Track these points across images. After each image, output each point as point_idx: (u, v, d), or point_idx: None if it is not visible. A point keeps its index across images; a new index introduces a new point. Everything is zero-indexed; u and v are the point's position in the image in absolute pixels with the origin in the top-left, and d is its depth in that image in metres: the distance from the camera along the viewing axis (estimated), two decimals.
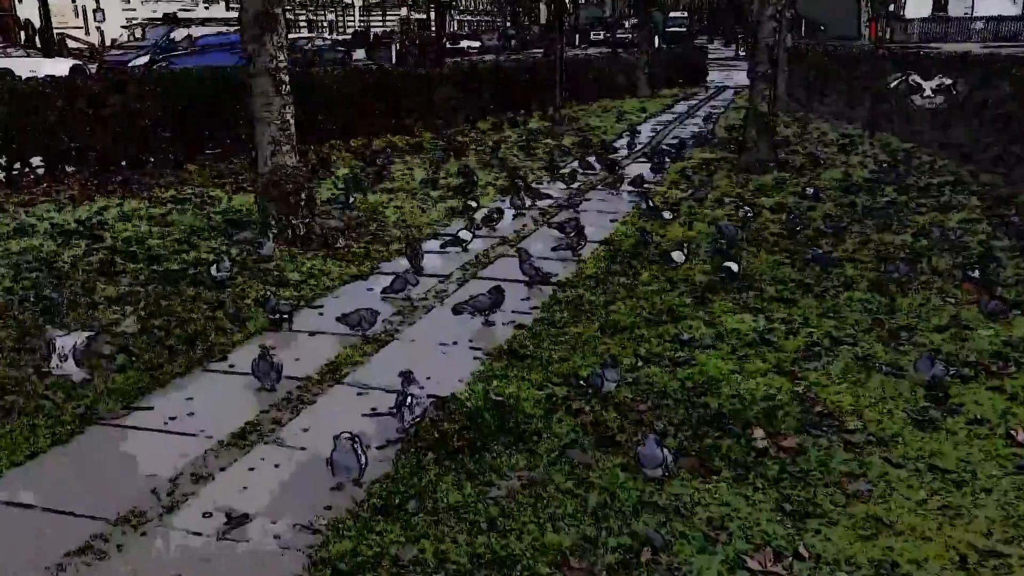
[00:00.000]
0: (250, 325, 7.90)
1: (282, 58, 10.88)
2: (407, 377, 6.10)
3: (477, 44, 68.70)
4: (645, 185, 14.58)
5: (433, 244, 10.76)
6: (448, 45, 62.89)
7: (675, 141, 20.69)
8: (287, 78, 11.00)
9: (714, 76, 47.05)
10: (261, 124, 10.99)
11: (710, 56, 50.96)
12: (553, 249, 10.35)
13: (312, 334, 7.79)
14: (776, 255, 10.27)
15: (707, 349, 7.17)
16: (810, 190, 13.49)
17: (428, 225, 12.04)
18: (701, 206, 13.24)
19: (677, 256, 9.54)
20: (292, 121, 11.12)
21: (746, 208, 12.21)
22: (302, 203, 11.27)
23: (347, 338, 7.63)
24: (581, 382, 6.30)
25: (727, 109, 30.53)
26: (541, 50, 59.82)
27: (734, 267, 9.05)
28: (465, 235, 10.53)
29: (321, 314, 8.34)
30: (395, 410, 5.94)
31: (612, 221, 12.25)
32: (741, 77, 46.36)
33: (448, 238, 10.78)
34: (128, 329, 7.68)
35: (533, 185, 14.41)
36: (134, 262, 9.77)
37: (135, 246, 10.39)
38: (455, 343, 7.51)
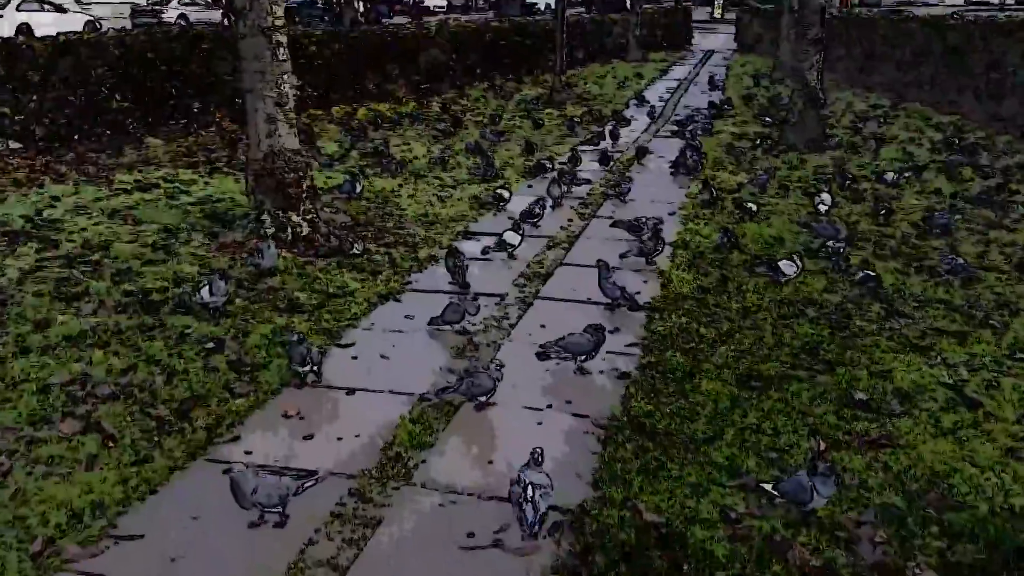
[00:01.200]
0: (264, 379, 5.84)
1: (279, 14, 8.69)
2: (535, 458, 4.34)
3: (444, 3, 65.81)
4: (692, 170, 12.61)
5: (468, 246, 8.69)
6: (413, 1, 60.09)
7: (692, 112, 18.74)
8: (285, 39, 8.81)
9: (696, 40, 45.18)
10: (254, 97, 8.80)
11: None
12: (621, 256, 8.38)
13: (351, 392, 5.76)
14: (892, 260, 8.43)
15: (898, 416, 5.29)
16: (889, 175, 11.65)
17: (454, 220, 9.97)
18: (764, 194, 11.33)
19: (787, 267, 7.65)
20: (292, 94, 8.96)
21: (821, 198, 10.31)
22: (304, 195, 9.16)
23: (399, 399, 5.63)
24: (769, 488, 4.36)
25: (727, 75, 28.59)
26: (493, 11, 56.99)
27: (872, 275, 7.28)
28: (512, 238, 8.52)
29: (355, 357, 6.30)
30: (514, 507, 4.20)
31: (671, 214, 10.29)
32: (722, 40, 44.68)
33: (490, 241, 8.74)
34: (99, 390, 5.58)
35: (559, 163, 12.35)
36: (98, 277, 7.60)
37: (98, 253, 8.20)
38: (549, 406, 5.54)
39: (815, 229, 8.87)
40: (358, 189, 10.59)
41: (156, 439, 5.05)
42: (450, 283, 7.77)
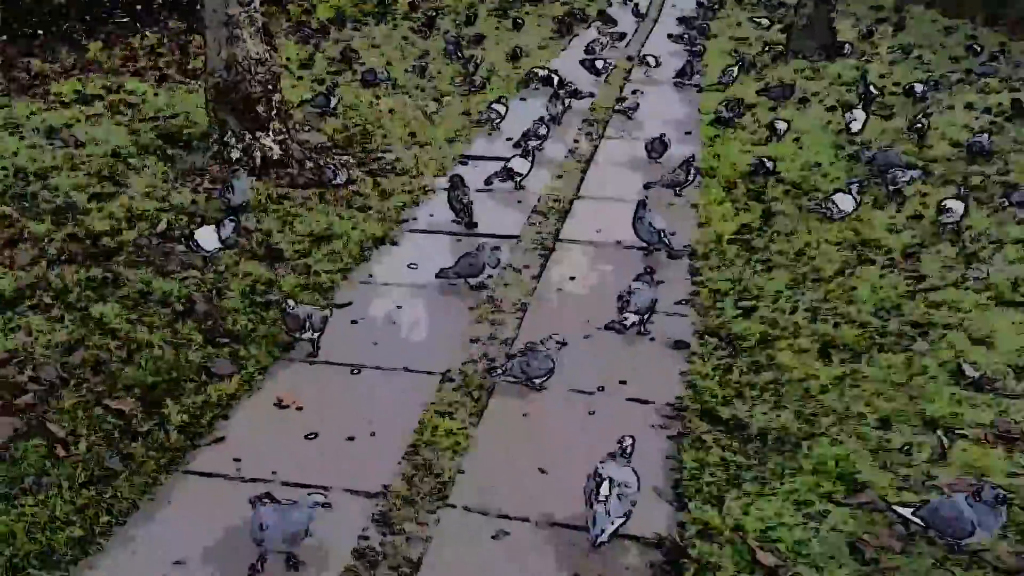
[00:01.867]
0: (249, 353, 4.76)
1: None
2: (623, 450, 3.53)
3: None
4: (696, 80, 11.45)
5: (466, 174, 7.44)
6: None
7: (682, 11, 17.40)
8: None
9: None
10: None
11: None
12: (646, 187, 7.36)
13: (356, 370, 4.72)
14: (943, 189, 7.51)
15: (1020, 398, 4.42)
16: (918, 87, 10.61)
17: (446, 141, 8.76)
18: (783, 108, 10.26)
19: (844, 202, 6.67)
20: None
21: (853, 115, 9.26)
22: (273, 112, 7.91)
23: (416, 380, 4.63)
24: (908, 515, 3.47)
25: None
26: None
27: (958, 209, 6.38)
28: (521, 166, 7.40)
29: (355, 322, 5.25)
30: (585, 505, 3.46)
31: (688, 134, 9.22)
32: None
33: (490, 167, 7.61)
34: (42, 373, 4.47)
35: (549, 72, 11.08)
36: (36, 216, 6.37)
37: (34, 184, 6.93)
38: (601, 388, 4.57)
39: (875, 157, 7.82)
40: (333, 104, 9.29)
41: (120, 444, 3.99)
42: (453, 221, 6.70)
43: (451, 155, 8.34)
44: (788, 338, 4.99)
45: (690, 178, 7.25)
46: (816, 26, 13.24)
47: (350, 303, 5.44)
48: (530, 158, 7.43)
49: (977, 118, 9.83)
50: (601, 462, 3.51)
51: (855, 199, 6.64)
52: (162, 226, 6.32)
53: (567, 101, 9.73)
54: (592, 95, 10.41)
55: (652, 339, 5.07)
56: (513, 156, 7.47)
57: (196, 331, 4.94)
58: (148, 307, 5.18)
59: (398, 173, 7.77)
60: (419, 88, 10.91)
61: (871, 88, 10.30)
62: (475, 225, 6.58)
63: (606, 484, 3.40)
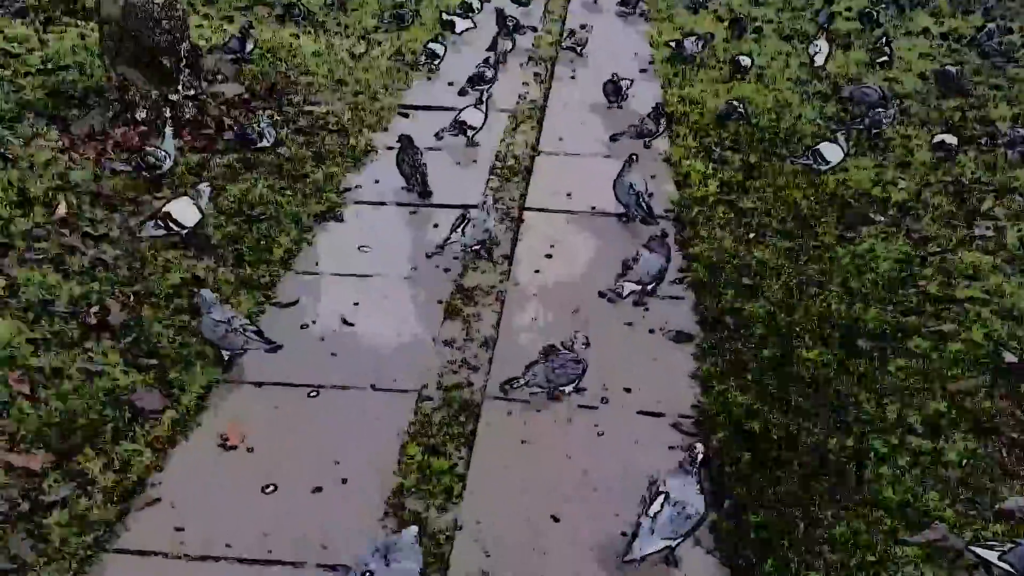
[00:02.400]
0: (181, 378, 3.96)
1: None
2: (693, 460, 3.05)
3: None
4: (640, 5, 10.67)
5: (407, 128, 6.64)
6: None
7: None
8: None
9: None
10: None
11: None
12: (613, 138, 6.65)
13: (314, 392, 3.98)
14: (921, 129, 7.03)
15: None
16: (875, 12, 10.06)
17: (383, 90, 7.83)
18: (738, 40, 9.59)
19: (830, 152, 6.10)
20: None
21: (817, 47, 8.65)
22: (183, 64, 6.89)
23: (387, 400, 3.92)
24: (995, 560, 2.98)
25: None
26: None
27: (952, 141, 5.97)
28: (474, 118, 6.59)
29: (305, 326, 4.46)
30: None
31: (643, 71, 8.51)
32: None
33: (434, 119, 6.84)
34: None
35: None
36: None
37: None
38: (604, 400, 3.96)
39: (853, 96, 7.26)
40: (248, 48, 8.22)
41: (31, 520, 3.19)
42: (404, 188, 5.90)
43: (388, 105, 7.44)
44: (802, 324, 4.42)
45: (660, 128, 6.57)
46: None
47: (296, 301, 4.65)
48: (484, 108, 6.61)
49: (939, 46, 9.35)
50: (671, 474, 3.06)
51: (843, 148, 6.08)
52: (61, 210, 5.36)
53: (513, 38, 8.86)
54: (535, 29, 9.54)
55: (651, 331, 4.45)
56: (465, 107, 6.64)
57: (114, 351, 4.10)
58: (53, 321, 4.29)
59: (332, 129, 6.87)
60: (340, 22, 9.86)
61: (832, 16, 9.72)
62: (430, 194, 5.80)
63: (661, 499, 2.95)
